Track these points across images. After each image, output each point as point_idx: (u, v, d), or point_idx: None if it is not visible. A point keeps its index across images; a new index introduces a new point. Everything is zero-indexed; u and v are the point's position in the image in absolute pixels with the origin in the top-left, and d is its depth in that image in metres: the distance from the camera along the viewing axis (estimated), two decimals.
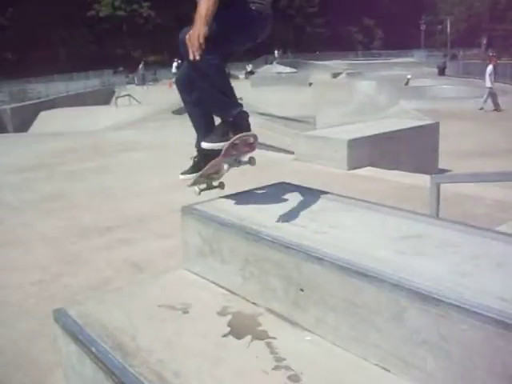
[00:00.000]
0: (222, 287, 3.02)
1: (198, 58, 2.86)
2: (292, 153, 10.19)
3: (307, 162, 8.65)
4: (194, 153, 3.47)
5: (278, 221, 2.92)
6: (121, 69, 48.29)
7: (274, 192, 3.54)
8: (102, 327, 2.67)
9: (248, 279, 2.85)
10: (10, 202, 7.50)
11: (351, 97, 33.99)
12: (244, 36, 3.26)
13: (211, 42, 2.85)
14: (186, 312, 2.80)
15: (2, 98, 30.19)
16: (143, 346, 2.50)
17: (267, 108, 21.63)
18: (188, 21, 2.98)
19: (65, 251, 5.39)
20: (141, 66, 43.63)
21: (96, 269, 4.90)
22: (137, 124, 16.83)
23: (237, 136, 3.12)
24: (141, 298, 3.01)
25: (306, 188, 3.58)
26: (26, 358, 3.52)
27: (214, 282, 3.08)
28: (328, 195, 3.42)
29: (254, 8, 3.14)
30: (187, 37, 2.88)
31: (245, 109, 3.21)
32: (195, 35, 2.84)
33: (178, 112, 20.25)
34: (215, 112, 3.37)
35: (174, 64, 40.16)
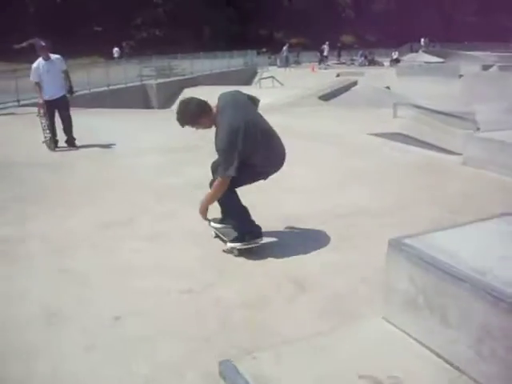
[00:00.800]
0: (441, 357, 2.27)
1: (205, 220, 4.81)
2: (455, 154, 9.19)
3: (477, 167, 7.65)
4: None
5: None
6: (264, 50, 48.07)
7: (504, 229, 2.73)
8: None
9: (486, 358, 2.08)
10: (154, 186, 7.08)
11: (503, 92, 31.59)
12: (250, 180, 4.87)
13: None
14: None
15: (149, 73, 30.70)
16: None
17: (415, 99, 20.31)
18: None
19: (218, 254, 4.79)
20: (285, 47, 43.07)
21: (251, 281, 4.28)
22: (282, 108, 16.04)
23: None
24: (333, 357, 2.32)
25: None
26: None
27: (427, 347, 2.34)
28: None
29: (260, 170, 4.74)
30: (199, 206, 4.74)
31: None
32: (201, 212, 4.75)
33: (325, 98, 19.45)
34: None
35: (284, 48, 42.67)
